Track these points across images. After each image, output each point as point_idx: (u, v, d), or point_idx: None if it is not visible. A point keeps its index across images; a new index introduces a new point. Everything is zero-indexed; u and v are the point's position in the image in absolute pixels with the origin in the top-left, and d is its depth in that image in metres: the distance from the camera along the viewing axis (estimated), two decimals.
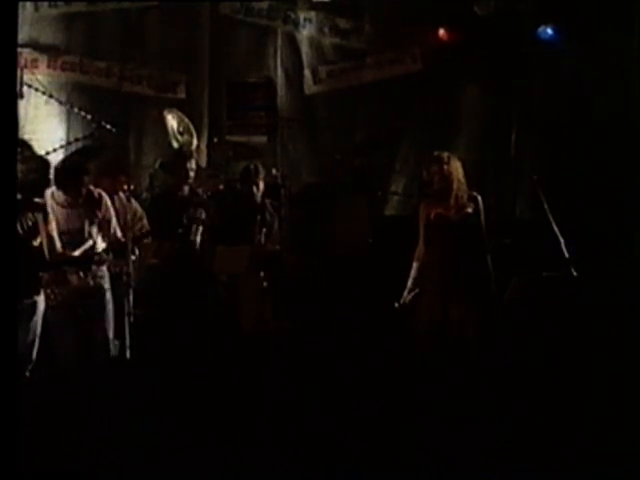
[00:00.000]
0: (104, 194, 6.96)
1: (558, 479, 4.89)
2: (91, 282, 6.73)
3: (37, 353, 6.09)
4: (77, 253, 6.64)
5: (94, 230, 6.83)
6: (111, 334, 6.79)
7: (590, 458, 4.96)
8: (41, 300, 6.11)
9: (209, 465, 5.00)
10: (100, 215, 6.87)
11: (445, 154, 6.83)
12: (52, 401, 5.72)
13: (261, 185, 8.18)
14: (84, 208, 6.81)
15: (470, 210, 6.73)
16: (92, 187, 6.88)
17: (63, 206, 6.77)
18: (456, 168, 6.75)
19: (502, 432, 5.32)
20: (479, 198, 6.81)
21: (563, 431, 5.29)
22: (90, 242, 6.75)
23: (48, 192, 6.79)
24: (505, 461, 4.96)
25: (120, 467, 4.95)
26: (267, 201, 8.22)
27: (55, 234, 6.26)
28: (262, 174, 8.22)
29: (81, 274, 6.60)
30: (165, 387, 6.09)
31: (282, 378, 6.47)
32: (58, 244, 6.27)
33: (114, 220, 6.96)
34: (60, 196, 6.77)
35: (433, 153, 6.88)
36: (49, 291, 6.28)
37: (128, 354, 6.61)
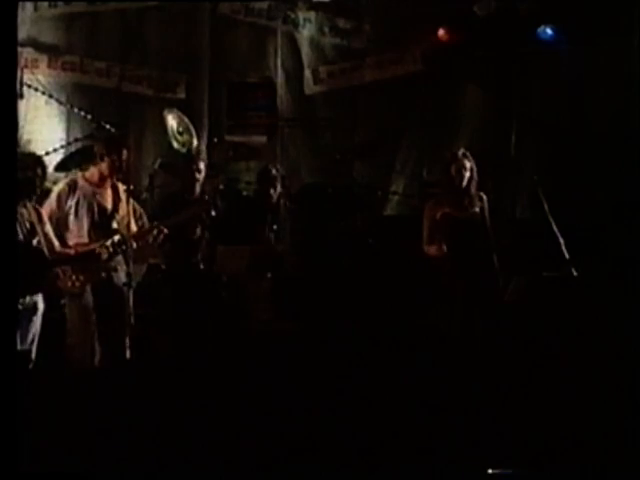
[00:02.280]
0: (123, 188, 6.93)
1: (557, 479, 4.89)
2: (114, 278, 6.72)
3: (38, 352, 6.09)
4: (105, 243, 6.65)
5: (117, 218, 6.80)
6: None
7: (590, 458, 4.96)
8: (41, 300, 6.11)
9: (210, 465, 5.00)
10: (123, 208, 6.85)
11: (467, 152, 6.88)
12: (52, 401, 5.71)
13: (278, 187, 8.18)
14: (113, 192, 6.80)
15: (478, 209, 6.80)
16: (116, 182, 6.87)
17: (97, 185, 6.73)
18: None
19: (502, 432, 5.31)
20: (484, 197, 6.88)
21: (563, 430, 5.29)
22: (118, 236, 6.72)
23: (79, 174, 6.78)
24: (505, 460, 4.96)
25: (121, 467, 4.95)
26: (282, 202, 8.22)
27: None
28: (280, 175, 8.22)
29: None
30: (166, 387, 6.09)
31: (284, 379, 6.47)
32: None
33: (132, 216, 6.93)
34: (94, 174, 6.74)
35: (458, 151, 6.91)
36: (74, 277, 6.26)
37: (128, 354, 6.63)
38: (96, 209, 6.70)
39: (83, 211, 6.65)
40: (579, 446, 5.09)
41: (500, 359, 6.44)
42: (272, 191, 8.10)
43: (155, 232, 6.87)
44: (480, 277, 6.66)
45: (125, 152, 6.75)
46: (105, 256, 6.50)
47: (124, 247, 6.58)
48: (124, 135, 7.17)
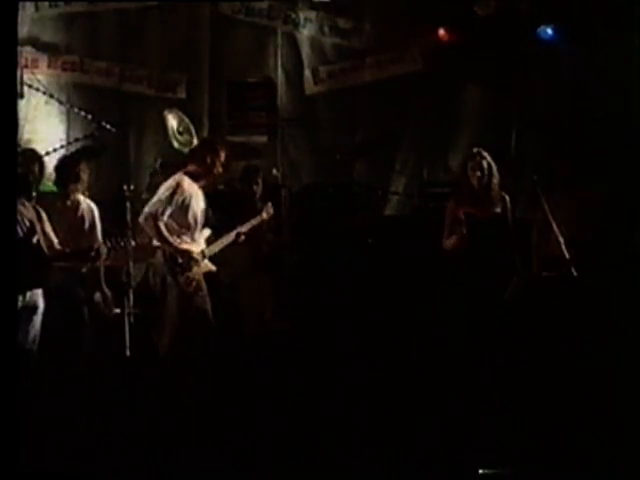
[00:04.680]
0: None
1: (555, 479, 4.89)
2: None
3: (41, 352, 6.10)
4: (202, 237, 6.91)
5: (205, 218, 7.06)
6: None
7: (589, 458, 4.96)
8: (41, 299, 6.12)
9: (210, 465, 5.00)
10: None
11: (482, 150, 6.87)
12: (53, 401, 5.72)
13: (260, 185, 8.21)
14: (203, 193, 7.01)
15: (499, 209, 6.80)
16: None
17: (194, 185, 6.90)
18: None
19: (501, 432, 5.32)
20: (507, 197, 6.87)
21: (563, 430, 5.29)
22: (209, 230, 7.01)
23: (185, 179, 6.83)
24: (505, 461, 4.96)
25: (120, 467, 4.95)
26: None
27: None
28: (261, 174, 8.26)
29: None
30: (166, 387, 6.10)
31: (283, 378, 6.48)
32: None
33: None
34: (194, 173, 6.87)
35: (472, 150, 6.91)
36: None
37: (128, 353, 6.63)
38: (194, 207, 6.83)
39: (185, 208, 6.78)
40: (579, 445, 5.09)
41: (500, 358, 6.44)
42: (255, 189, 8.14)
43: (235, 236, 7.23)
44: (496, 278, 6.67)
45: (223, 155, 6.88)
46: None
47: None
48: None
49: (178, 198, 6.76)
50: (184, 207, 6.78)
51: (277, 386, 6.26)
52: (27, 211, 6.07)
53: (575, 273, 6.95)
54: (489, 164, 6.82)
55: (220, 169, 6.93)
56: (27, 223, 6.01)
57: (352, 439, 5.27)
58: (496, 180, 6.84)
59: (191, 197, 6.80)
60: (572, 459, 4.97)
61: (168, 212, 6.73)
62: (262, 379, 6.44)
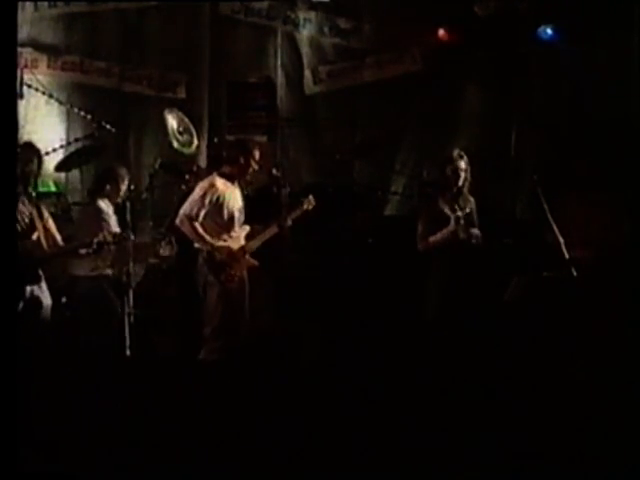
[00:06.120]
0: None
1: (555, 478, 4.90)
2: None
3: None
4: (242, 234, 7.02)
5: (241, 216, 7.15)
6: None
7: (589, 458, 4.96)
8: (46, 295, 6.13)
9: (211, 466, 5.00)
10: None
11: (462, 152, 6.97)
12: (53, 400, 5.72)
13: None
14: (240, 191, 7.13)
15: (469, 210, 6.89)
16: None
17: (229, 184, 6.99)
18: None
19: (501, 432, 5.32)
20: (472, 199, 6.99)
21: (562, 431, 5.29)
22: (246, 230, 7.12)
23: (218, 180, 6.91)
24: (505, 461, 4.96)
25: (120, 467, 4.95)
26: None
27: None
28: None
29: None
30: (166, 387, 6.09)
31: (283, 379, 6.48)
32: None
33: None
34: (228, 174, 7.00)
35: (453, 152, 6.99)
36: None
37: (128, 353, 6.64)
38: (229, 205, 6.86)
39: (219, 207, 6.86)
40: (578, 445, 5.09)
41: (500, 359, 6.44)
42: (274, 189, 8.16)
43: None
44: (473, 277, 6.75)
45: (257, 154, 6.90)
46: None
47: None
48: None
49: (212, 198, 6.87)
50: (218, 206, 6.88)
51: (277, 386, 6.25)
52: (26, 208, 6.09)
53: (575, 273, 6.98)
54: (466, 168, 6.94)
55: (255, 167, 7.00)
56: (26, 220, 6.03)
57: (351, 439, 5.27)
58: (468, 183, 6.96)
59: (225, 196, 6.88)
60: (572, 461, 4.97)
61: (202, 213, 6.85)
62: (262, 380, 6.44)
